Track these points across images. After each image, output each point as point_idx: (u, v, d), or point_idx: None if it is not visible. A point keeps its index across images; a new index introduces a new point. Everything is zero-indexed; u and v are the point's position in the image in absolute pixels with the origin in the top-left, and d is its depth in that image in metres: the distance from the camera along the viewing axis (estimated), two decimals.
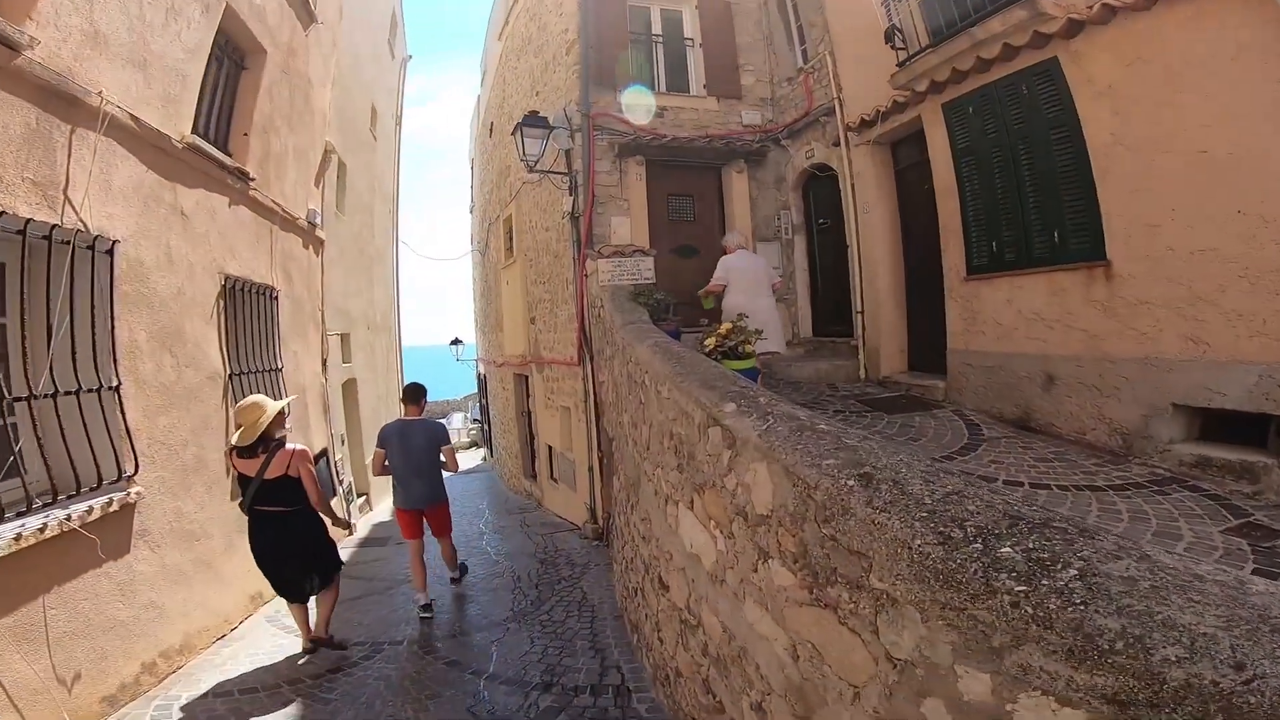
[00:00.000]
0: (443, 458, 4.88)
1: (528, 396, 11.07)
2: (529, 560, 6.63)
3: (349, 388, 9.86)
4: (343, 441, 9.21)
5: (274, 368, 6.12)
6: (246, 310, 5.66)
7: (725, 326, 4.56)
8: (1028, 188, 4.52)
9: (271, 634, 4.69)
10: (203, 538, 4.51)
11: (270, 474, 3.69)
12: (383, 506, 10.91)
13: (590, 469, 7.69)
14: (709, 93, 7.69)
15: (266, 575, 3.95)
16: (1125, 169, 3.87)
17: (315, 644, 4.07)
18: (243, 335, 5.55)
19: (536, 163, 7.20)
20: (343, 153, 9.97)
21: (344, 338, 9.60)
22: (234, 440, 3.77)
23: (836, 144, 6.65)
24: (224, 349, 5.07)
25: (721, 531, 2.37)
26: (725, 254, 5.95)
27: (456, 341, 18.98)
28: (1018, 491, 3.41)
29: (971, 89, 4.93)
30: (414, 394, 5.04)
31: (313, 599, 4.08)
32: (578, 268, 7.26)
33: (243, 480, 3.79)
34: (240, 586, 4.90)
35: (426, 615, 4.70)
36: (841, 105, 6.50)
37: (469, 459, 19.33)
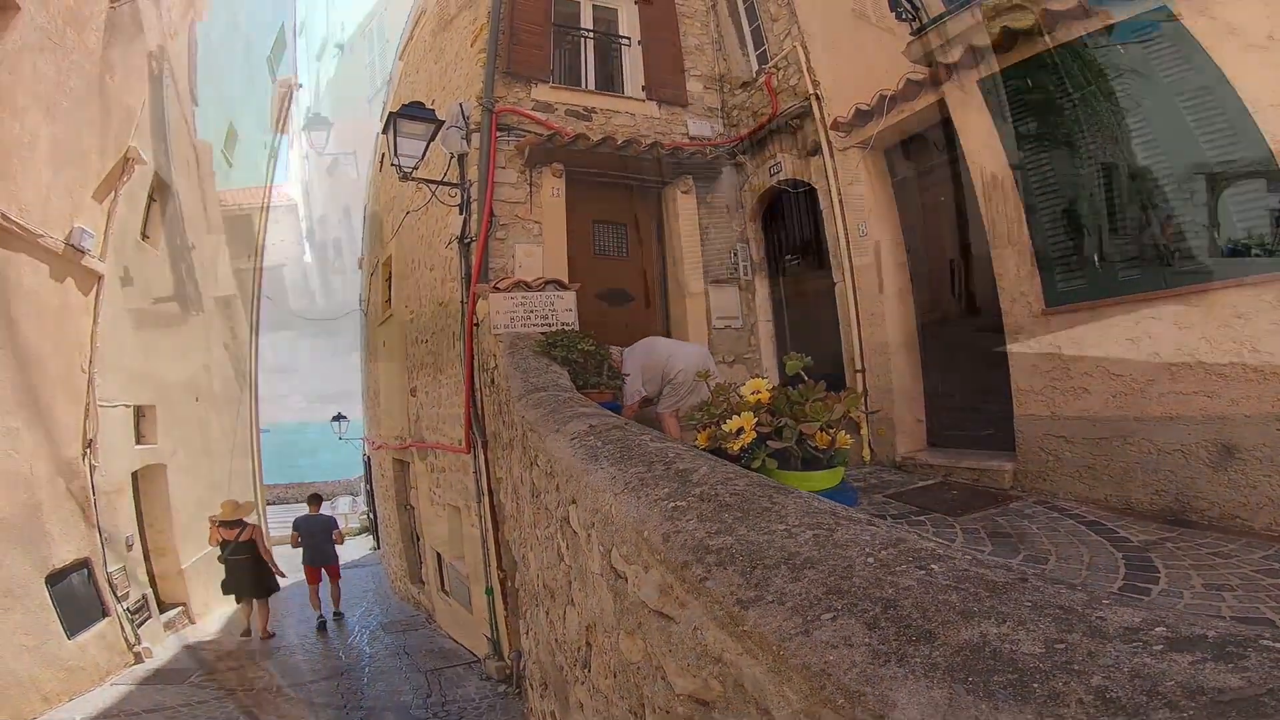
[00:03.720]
0: (334, 538, 7.80)
1: (409, 488, 8.56)
2: None
3: (148, 476, 7.05)
4: (129, 546, 6.38)
5: None
6: None
7: (755, 386, 2.23)
8: (1149, 174, 3.03)
9: None
10: None
11: (242, 538, 6.59)
12: (214, 617, 7.82)
13: (490, 591, 5.42)
14: (649, 96, 6.07)
15: (236, 590, 6.75)
16: None
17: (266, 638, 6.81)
18: None
19: (414, 169, 5.24)
20: (168, 171, 7.61)
21: (141, 411, 6.88)
22: (220, 517, 6.75)
23: (814, 152, 5.13)
24: None
25: None
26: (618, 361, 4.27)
27: (339, 417, 17.12)
28: None
29: (1026, 56, 3.54)
30: (316, 500, 8.14)
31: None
32: (466, 312, 5.20)
33: (224, 542, 6.61)
34: None
35: (321, 622, 7.45)
36: (820, 101, 5.03)
37: (356, 547, 16.38)
